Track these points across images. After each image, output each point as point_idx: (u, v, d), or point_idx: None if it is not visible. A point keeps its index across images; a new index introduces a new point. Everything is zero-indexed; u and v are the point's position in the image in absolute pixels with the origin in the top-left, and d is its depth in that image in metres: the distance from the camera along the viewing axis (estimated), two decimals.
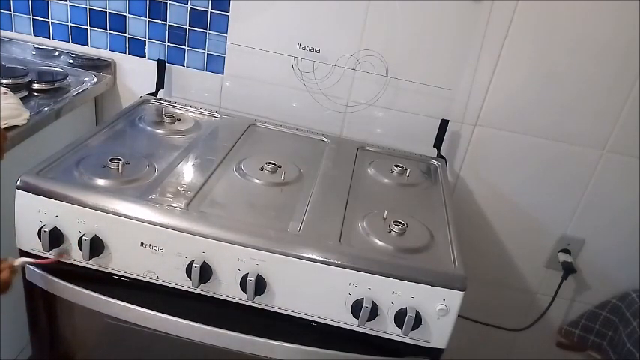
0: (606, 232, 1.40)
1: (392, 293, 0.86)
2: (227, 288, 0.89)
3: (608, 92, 1.25)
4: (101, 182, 0.94)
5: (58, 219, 0.90)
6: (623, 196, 1.35)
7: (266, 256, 0.86)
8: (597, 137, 1.30)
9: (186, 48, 1.36)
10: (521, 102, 1.29)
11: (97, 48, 1.39)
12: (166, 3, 1.31)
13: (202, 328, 0.92)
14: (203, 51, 1.35)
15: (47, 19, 1.37)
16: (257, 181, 1.06)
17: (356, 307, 0.87)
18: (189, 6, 1.31)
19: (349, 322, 0.89)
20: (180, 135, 1.20)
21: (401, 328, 0.87)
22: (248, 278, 0.86)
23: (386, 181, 1.18)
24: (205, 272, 0.88)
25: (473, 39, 1.24)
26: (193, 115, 1.33)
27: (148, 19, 1.34)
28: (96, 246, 0.89)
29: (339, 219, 0.97)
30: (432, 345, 0.90)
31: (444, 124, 1.31)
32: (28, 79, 1.23)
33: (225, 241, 0.87)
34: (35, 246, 0.93)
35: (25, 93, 1.21)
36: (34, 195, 0.90)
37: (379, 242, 0.93)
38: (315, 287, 0.88)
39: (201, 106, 1.37)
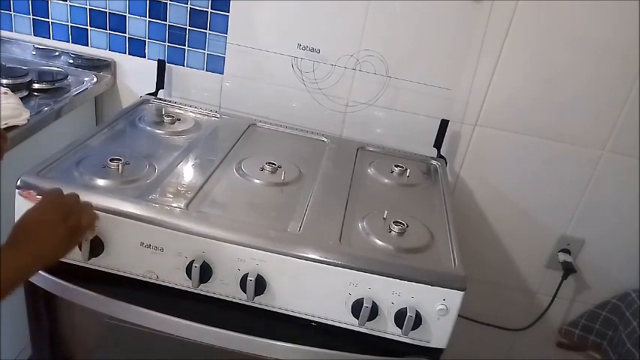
0: (606, 232, 1.40)
1: (392, 293, 0.86)
2: (227, 288, 0.89)
3: (608, 92, 1.25)
4: (101, 182, 0.94)
5: None
6: (623, 196, 1.35)
7: (266, 256, 0.86)
8: (597, 137, 1.30)
9: (186, 48, 1.36)
10: (521, 102, 1.29)
11: (97, 48, 1.39)
12: (166, 3, 1.31)
13: (202, 328, 0.92)
14: (203, 51, 1.35)
15: (47, 19, 1.37)
16: (257, 181, 1.06)
17: (356, 307, 0.87)
18: (189, 6, 1.31)
19: (349, 322, 0.89)
20: (180, 135, 1.20)
21: (401, 328, 0.87)
22: (248, 278, 0.86)
23: (386, 181, 1.17)
24: (205, 272, 0.88)
25: (473, 39, 1.24)
26: (193, 115, 1.32)
27: (148, 19, 1.34)
28: (96, 246, 0.89)
29: (339, 219, 0.97)
30: (432, 345, 0.89)
31: (444, 124, 1.31)
32: (28, 79, 1.23)
33: (225, 241, 0.87)
34: None
35: (25, 93, 1.21)
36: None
37: (379, 242, 0.92)
38: (315, 287, 0.88)
39: (201, 106, 1.37)
